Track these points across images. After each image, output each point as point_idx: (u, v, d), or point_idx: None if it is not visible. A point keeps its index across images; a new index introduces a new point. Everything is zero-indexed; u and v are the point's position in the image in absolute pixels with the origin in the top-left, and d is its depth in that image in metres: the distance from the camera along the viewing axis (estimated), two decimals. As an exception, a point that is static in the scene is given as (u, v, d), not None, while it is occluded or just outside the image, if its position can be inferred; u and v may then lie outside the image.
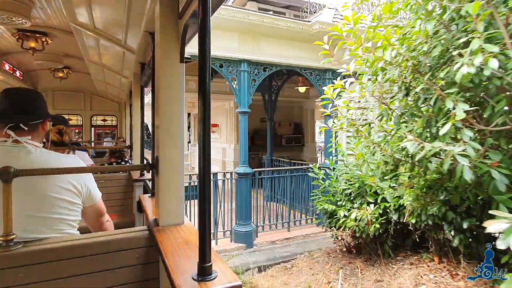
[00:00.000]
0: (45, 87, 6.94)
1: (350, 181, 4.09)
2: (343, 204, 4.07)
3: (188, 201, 4.75)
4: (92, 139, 8.28)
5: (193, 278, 0.93)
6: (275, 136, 9.94)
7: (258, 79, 5.30)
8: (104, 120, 8.40)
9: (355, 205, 3.90)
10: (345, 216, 3.80)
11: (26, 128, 1.38)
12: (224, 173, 5.73)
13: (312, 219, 6.04)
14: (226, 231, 5.35)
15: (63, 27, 4.05)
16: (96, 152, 7.56)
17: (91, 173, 1.59)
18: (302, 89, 8.52)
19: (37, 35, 4.22)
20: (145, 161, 3.06)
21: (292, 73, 7.88)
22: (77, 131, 8.07)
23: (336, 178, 4.39)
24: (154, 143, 1.60)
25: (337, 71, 4.82)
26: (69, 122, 7.91)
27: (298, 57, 5.70)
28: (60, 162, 1.42)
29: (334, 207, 4.10)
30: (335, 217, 4.02)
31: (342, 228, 3.82)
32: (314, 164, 4.77)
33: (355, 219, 3.61)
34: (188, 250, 1.16)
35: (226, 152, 9.92)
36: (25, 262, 1.18)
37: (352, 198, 4.07)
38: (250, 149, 8.62)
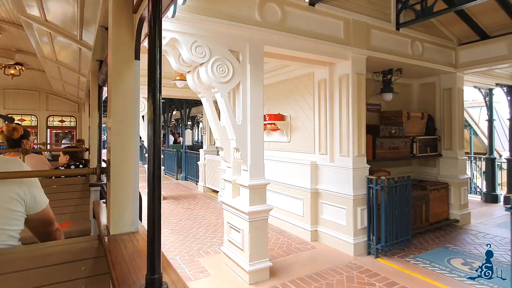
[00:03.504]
0: (-6, 84, 6.43)
1: None
2: None
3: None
4: (49, 141, 7.76)
5: (140, 292, 0.87)
6: (401, 139, 5.12)
7: None
8: (62, 121, 7.91)
9: None
10: None
11: None
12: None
13: None
14: None
15: (13, 20, 3.76)
16: (53, 155, 7.09)
17: (36, 178, 1.45)
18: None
19: (-18, 27, 3.89)
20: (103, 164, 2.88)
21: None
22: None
23: None
24: (107, 146, 1.50)
25: None
26: (22, 122, 7.38)
27: None
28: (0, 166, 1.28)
29: None
30: None
31: None
32: None
33: None
34: (138, 260, 1.08)
35: (324, 173, 4.48)
36: None
37: None
38: (374, 169, 4.27)
